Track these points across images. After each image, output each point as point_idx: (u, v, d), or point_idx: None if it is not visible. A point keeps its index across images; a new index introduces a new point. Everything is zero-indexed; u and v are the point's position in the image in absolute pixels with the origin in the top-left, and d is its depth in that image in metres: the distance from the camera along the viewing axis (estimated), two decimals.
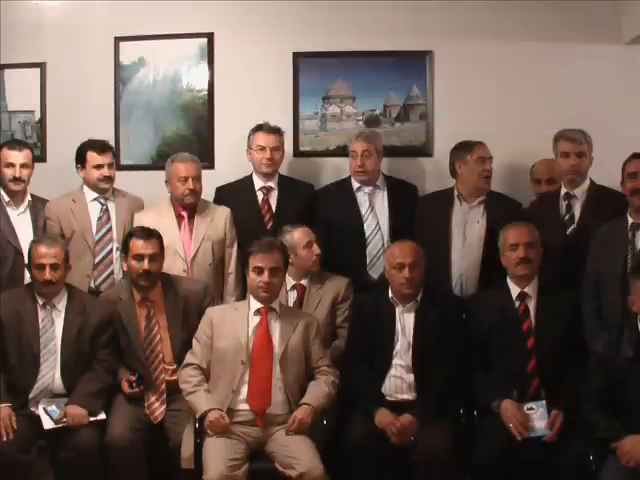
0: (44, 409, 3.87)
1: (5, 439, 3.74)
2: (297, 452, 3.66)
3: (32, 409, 3.91)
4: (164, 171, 4.57)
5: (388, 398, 3.94)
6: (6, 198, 4.46)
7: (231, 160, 4.95)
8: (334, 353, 4.15)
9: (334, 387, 3.90)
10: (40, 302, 4.02)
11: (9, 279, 4.32)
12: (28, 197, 4.52)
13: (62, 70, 5.10)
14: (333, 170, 4.99)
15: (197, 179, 4.49)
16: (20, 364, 3.93)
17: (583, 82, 4.88)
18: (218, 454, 3.64)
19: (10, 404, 3.84)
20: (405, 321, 4.01)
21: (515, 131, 4.86)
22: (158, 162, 4.96)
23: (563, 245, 4.22)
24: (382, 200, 4.65)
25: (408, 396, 3.94)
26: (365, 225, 4.59)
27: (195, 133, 5.12)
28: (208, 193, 4.68)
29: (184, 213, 4.51)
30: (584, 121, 4.40)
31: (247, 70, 5.04)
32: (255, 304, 3.92)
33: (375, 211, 4.61)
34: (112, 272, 4.46)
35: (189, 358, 3.93)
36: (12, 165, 4.43)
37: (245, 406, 3.80)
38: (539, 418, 3.75)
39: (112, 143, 4.75)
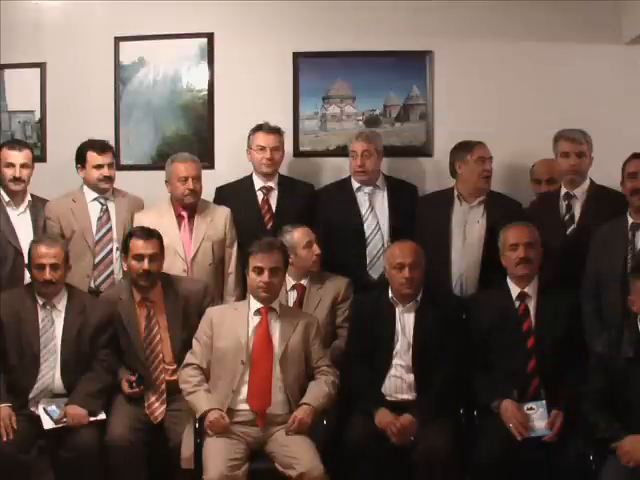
0: (44, 409, 3.87)
1: (5, 439, 3.74)
2: (297, 452, 3.66)
3: (32, 409, 3.91)
4: (164, 171, 4.57)
5: (388, 398, 3.94)
6: (6, 198, 4.46)
7: (231, 160, 4.95)
8: (334, 353, 4.15)
9: (334, 387, 3.90)
10: (40, 302, 4.02)
11: (9, 279, 4.32)
12: (28, 197, 4.52)
13: (62, 70, 5.10)
14: (333, 170, 4.99)
15: (197, 179, 4.49)
16: (20, 364, 3.93)
17: (583, 82, 4.88)
18: (218, 454, 3.64)
19: (10, 404, 3.84)
20: (405, 321, 4.01)
21: (515, 131, 4.86)
22: (158, 162, 4.96)
23: (563, 245, 4.22)
24: (382, 200, 4.64)
25: (408, 396, 3.94)
26: (365, 225, 4.59)
27: (195, 133, 5.12)
28: (208, 193, 4.68)
29: (184, 213, 4.51)
30: (584, 121, 4.40)
31: (247, 70, 5.04)
32: (255, 304, 3.92)
33: (375, 211, 4.61)
34: (112, 272, 4.46)
35: (189, 358, 3.93)
36: (12, 165, 4.43)
37: (245, 406, 3.80)
38: (539, 418, 3.75)
39: (112, 143, 4.75)
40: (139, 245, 4.09)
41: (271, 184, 4.69)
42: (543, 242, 4.00)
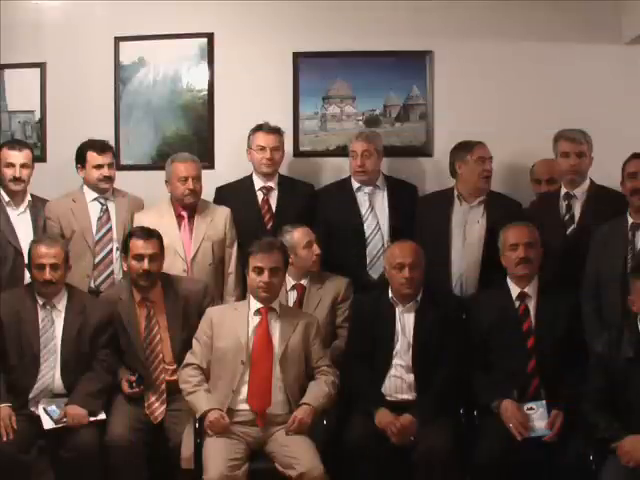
0: (44, 409, 3.87)
1: (5, 439, 3.74)
2: (297, 452, 3.66)
3: (32, 409, 3.91)
4: (164, 171, 4.57)
5: (388, 398, 3.94)
6: (6, 198, 4.46)
7: (231, 160, 4.95)
8: (334, 353, 4.15)
9: (334, 387, 3.90)
10: (40, 302, 4.02)
11: (9, 279, 4.32)
12: (28, 197, 4.52)
13: (62, 70, 5.10)
14: (333, 170, 4.99)
15: (197, 179, 4.49)
16: (20, 364, 3.93)
17: (583, 82, 4.88)
18: (218, 454, 3.64)
19: (10, 404, 3.84)
20: (405, 321, 4.01)
21: (515, 131, 4.86)
22: (158, 162, 4.96)
23: (563, 245, 4.22)
24: (382, 200, 4.64)
25: (408, 396, 3.94)
26: (365, 225, 4.59)
27: (195, 133, 5.12)
28: (208, 193, 4.68)
29: (184, 213, 4.51)
30: (584, 121, 4.40)
31: (247, 70, 5.04)
32: (255, 304, 3.92)
33: (375, 211, 4.61)
34: (112, 272, 4.46)
35: (189, 358, 3.93)
36: (12, 165, 4.43)
37: (245, 406, 3.80)
38: (539, 418, 3.75)
39: (112, 143, 4.75)
40: (139, 245, 4.09)
41: (271, 184, 4.69)
42: (543, 242, 4.00)
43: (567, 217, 4.29)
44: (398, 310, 4.03)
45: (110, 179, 4.53)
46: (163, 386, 4.04)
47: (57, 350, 3.98)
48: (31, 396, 3.92)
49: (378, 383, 3.96)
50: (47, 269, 3.96)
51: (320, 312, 4.24)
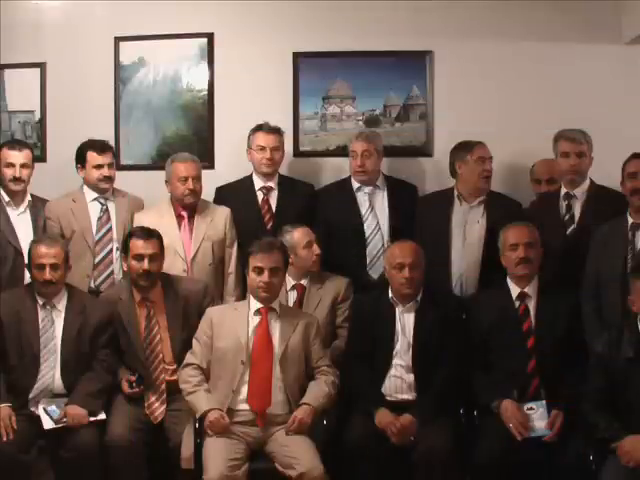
0: (44, 409, 3.87)
1: (5, 439, 3.74)
2: (297, 452, 3.66)
3: (32, 409, 3.91)
4: (164, 171, 4.56)
5: (388, 398, 3.94)
6: (6, 198, 4.46)
7: (231, 160, 4.95)
8: (334, 353, 4.15)
9: (334, 387, 3.90)
10: (40, 302, 4.02)
11: (9, 279, 4.32)
12: (28, 197, 4.52)
13: (62, 70, 5.10)
14: (333, 170, 4.99)
15: (197, 179, 4.49)
16: (20, 364, 3.93)
17: (583, 82, 4.88)
18: (218, 454, 3.64)
19: (10, 404, 3.84)
20: (405, 321, 4.01)
21: (515, 131, 4.86)
22: (158, 162, 4.96)
23: (563, 245, 4.22)
24: (382, 200, 4.64)
25: (408, 396, 3.94)
26: (365, 225, 4.59)
27: (195, 133, 5.12)
28: (208, 193, 4.68)
29: (184, 213, 4.51)
30: (584, 121, 4.40)
31: (247, 70, 5.04)
32: (255, 304, 3.92)
33: (375, 211, 4.61)
34: (112, 272, 4.46)
35: (189, 358, 3.93)
36: (12, 165, 4.43)
37: (245, 406, 3.80)
38: (539, 418, 3.75)
39: (112, 143, 4.75)
40: (139, 245, 4.09)
41: (271, 184, 4.69)
42: (543, 242, 4.00)
43: (567, 217, 4.29)
44: (398, 310, 4.03)
45: (110, 179, 4.53)
46: (163, 386, 4.03)
47: (57, 350, 3.98)
48: (31, 396, 3.92)
49: (378, 383, 3.96)
50: (47, 269, 3.96)
51: (320, 312, 4.24)
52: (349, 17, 4.96)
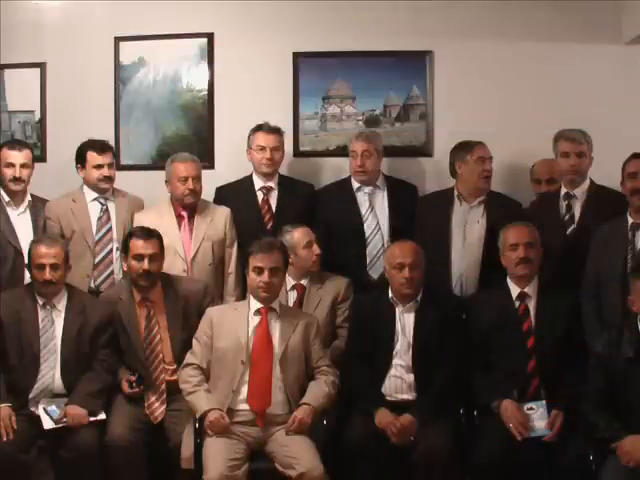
0: (44, 409, 3.87)
1: (5, 439, 3.74)
2: (297, 452, 3.66)
3: (32, 409, 3.91)
4: (164, 171, 4.57)
5: (388, 398, 3.94)
6: (6, 198, 4.46)
7: (231, 160, 4.95)
8: (334, 353, 4.15)
9: (334, 387, 3.90)
10: (40, 302, 4.02)
11: (9, 279, 4.32)
12: (28, 197, 4.52)
13: (62, 70, 5.10)
14: (333, 170, 4.99)
15: (197, 179, 4.49)
16: (20, 364, 3.93)
17: (583, 82, 4.88)
18: (218, 454, 3.64)
19: (10, 404, 3.84)
20: (405, 321, 4.01)
21: (515, 131, 4.86)
22: (158, 162, 4.96)
23: (563, 245, 4.22)
24: (382, 200, 4.64)
25: (408, 396, 3.94)
26: (365, 225, 4.59)
27: (195, 133, 5.12)
28: (208, 193, 4.68)
29: (184, 213, 4.51)
30: (584, 121, 4.40)
31: (247, 70, 5.04)
32: (255, 304, 3.92)
33: (375, 211, 4.61)
34: (112, 272, 4.46)
35: (189, 358, 3.92)
36: (12, 165, 4.43)
37: (245, 406, 3.80)
38: (539, 418, 3.75)
39: (112, 143, 4.75)
40: (139, 245, 4.09)
41: (271, 184, 4.69)
42: (543, 242, 4.00)
43: (567, 217, 4.29)
44: (398, 310, 4.03)
45: (110, 179, 4.53)
46: (163, 386, 4.03)
47: (57, 350, 3.98)
48: (31, 396, 3.92)
49: (378, 383, 3.96)
50: (47, 269, 3.96)
51: (320, 312, 4.24)
52: (349, 17, 4.96)
